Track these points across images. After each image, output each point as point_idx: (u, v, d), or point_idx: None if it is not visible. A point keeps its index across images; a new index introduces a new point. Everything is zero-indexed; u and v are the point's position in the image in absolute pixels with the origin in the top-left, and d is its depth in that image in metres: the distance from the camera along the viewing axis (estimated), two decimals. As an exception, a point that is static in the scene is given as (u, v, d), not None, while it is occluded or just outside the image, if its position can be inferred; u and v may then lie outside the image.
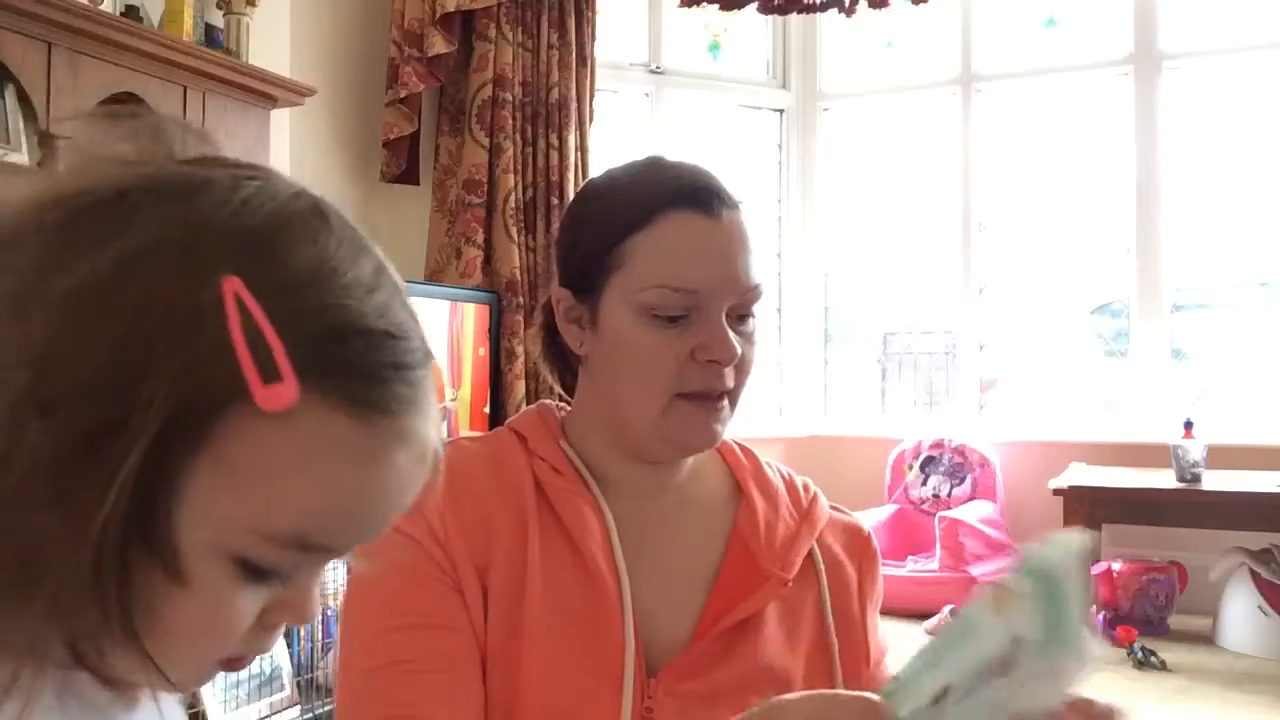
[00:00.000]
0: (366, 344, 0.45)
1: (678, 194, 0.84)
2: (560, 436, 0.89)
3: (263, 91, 2.66)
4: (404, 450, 0.46)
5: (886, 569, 1.02)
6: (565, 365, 0.94)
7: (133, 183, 0.44)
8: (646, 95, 4.65)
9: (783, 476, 0.95)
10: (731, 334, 0.82)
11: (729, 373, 0.83)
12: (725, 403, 0.85)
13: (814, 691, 0.67)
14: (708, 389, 0.83)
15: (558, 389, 0.96)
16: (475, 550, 0.81)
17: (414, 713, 0.76)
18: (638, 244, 0.83)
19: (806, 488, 0.95)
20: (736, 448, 0.95)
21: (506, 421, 0.92)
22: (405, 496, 0.48)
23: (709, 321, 0.82)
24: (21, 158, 2.11)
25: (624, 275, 0.83)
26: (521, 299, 3.66)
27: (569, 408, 0.93)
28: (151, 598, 0.44)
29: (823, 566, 0.90)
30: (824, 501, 0.94)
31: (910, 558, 4.23)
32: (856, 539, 0.95)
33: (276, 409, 0.42)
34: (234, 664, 0.49)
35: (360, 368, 0.44)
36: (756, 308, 0.86)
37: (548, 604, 0.80)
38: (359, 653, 0.80)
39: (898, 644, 0.95)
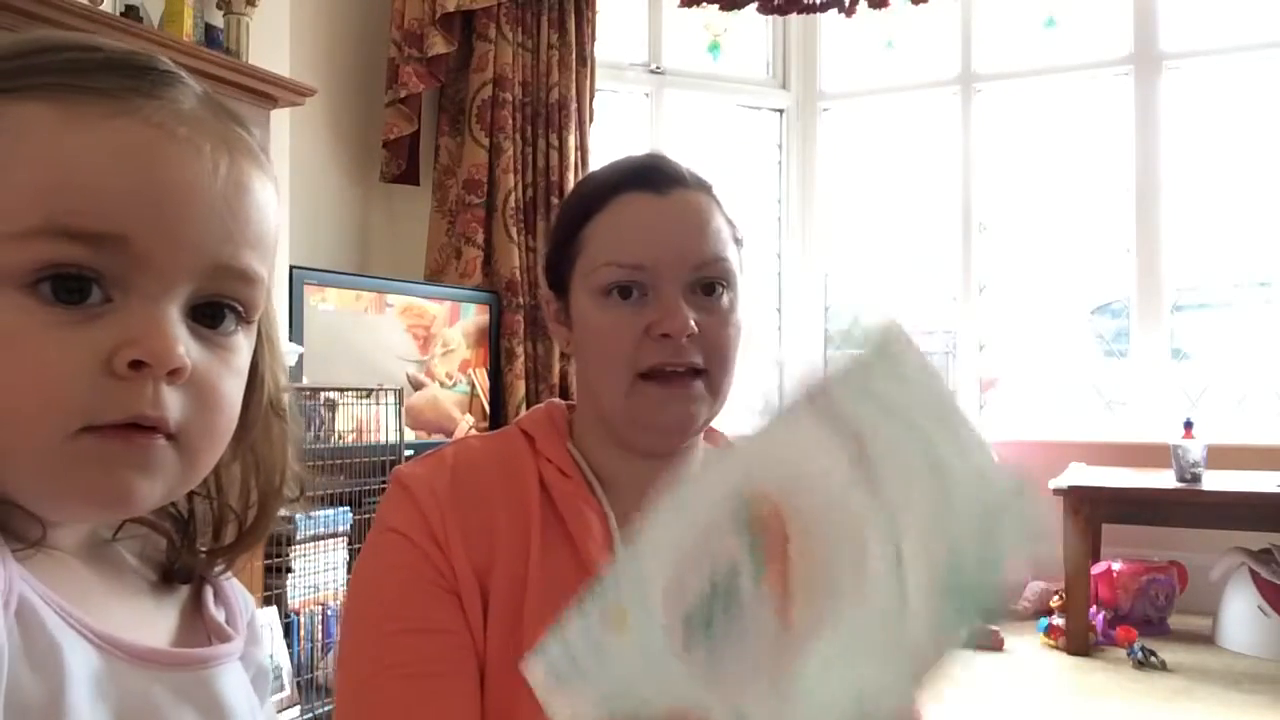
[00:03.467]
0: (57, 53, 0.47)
1: (627, 177, 0.86)
2: (568, 437, 0.89)
3: (263, 92, 2.65)
4: (126, 120, 0.46)
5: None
6: None
7: None
8: (646, 95, 4.65)
9: None
10: (691, 310, 0.82)
11: (689, 347, 0.82)
12: (699, 384, 0.83)
13: None
14: (662, 363, 0.82)
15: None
16: (476, 555, 0.80)
17: (410, 718, 0.76)
18: (592, 229, 0.85)
19: None
20: None
21: (515, 420, 0.93)
22: (172, 174, 0.47)
23: (662, 296, 0.82)
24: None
25: (583, 261, 0.85)
26: (521, 299, 3.66)
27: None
28: None
29: None
30: None
31: (910, 558, 4.23)
32: None
33: None
34: (127, 432, 0.45)
35: (54, 69, 0.46)
36: (741, 286, 0.86)
37: (548, 609, 0.78)
38: (356, 657, 0.79)
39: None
